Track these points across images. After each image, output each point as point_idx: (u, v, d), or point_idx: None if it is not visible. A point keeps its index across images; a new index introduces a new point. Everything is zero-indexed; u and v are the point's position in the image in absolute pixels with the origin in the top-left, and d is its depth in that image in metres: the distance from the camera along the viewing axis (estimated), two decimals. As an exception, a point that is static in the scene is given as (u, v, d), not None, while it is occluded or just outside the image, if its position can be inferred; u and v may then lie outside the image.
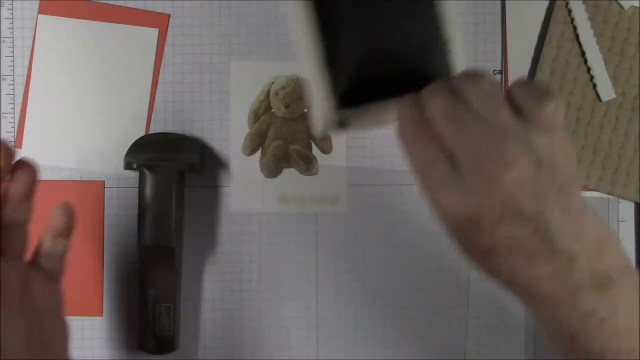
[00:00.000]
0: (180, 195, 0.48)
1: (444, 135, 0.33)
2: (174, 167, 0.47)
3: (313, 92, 0.36)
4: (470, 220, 0.33)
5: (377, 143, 0.50)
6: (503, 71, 0.50)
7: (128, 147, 0.48)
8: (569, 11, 0.49)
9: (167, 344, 0.48)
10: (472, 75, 0.34)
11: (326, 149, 0.50)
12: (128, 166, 0.47)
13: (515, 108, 0.33)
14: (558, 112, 0.33)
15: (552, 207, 0.33)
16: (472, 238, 0.34)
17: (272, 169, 0.50)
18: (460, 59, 0.37)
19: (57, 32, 0.50)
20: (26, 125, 0.50)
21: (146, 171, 0.46)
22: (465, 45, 0.38)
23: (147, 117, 0.50)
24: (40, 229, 0.50)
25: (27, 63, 0.50)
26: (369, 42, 0.36)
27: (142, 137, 0.49)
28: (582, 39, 0.49)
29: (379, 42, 0.36)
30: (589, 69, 0.49)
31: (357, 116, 0.37)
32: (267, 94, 0.50)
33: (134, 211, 0.48)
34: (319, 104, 0.36)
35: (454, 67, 0.37)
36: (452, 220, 0.34)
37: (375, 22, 0.36)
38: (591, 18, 0.48)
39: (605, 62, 0.48)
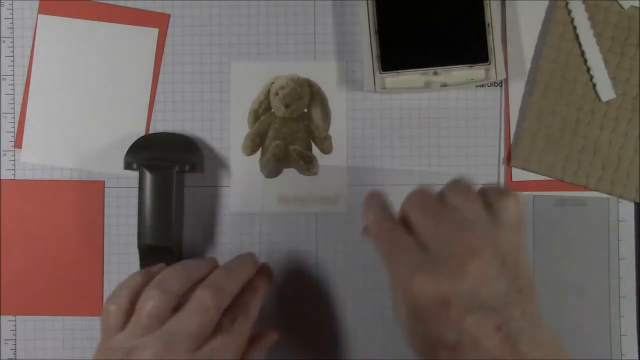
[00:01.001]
0: (180, 195, 0.48)
1: (420, 225, 0.37)
2: (174, 167, 0.47)
3: (365, 57, 0.47)
4: (440, 304, 0.34)
5: (377, 143, 0.50)
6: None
7: (128, 147, 0.48)
8: (569, 11, 0.49)
9: (167, 344, 0.48)
10: (452, 179, 0.39)
11: (326, 149, 0.50)
12: (128, 166, 0.47)
13: (487, 204, 0.37)
14: (519, 208, 0.37)
15: (514, 308, 0.35)
16: (441, 329, 0.35)
17: (272, 169, 0.50)
18: (497, 42, 0.46)
19: (57, 32, 0.50)
20: (26, 125, 0.50)
21: (146, 171, 0.46)
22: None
23: (147, 117, 0.50)
24: (39, 227, 0.50)
25: (27, 63, 0.50)
26: (415, 20, 0.46)
27: (142, 137, 0.49)
28: (582, 39, 0.49)
29: (423, 21, 0.46)
30: (589, 69, 0.49)
31: (395, 79, 0.47)
32: (267, 94, 0.50)
33: (134, 211, 0.48)
34: (368, 65, 0.47)
35: (491, 48, 0.46)
36: (423, 305, 0.35)
37: (423, 4, 0.46)
38: (591, 18, 0.48)
39: (605, 62, 0.48)
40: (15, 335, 0.50)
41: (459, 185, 0.38)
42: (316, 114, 0.50)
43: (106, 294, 0.50)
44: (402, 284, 0.36)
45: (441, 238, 0.36)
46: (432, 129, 0.50)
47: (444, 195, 0.38)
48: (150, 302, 0.39)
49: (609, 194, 0.49)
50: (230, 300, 0.41)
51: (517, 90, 0.50)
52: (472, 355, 0.34)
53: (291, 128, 0.50)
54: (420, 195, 0.38)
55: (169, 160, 0.48)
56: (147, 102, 0.50)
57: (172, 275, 0.41)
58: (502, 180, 0.50)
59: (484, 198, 0.38)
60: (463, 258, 0.35)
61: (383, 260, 0.38)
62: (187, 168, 0.47)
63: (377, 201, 0.40)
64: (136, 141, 0.49)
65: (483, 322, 0.34)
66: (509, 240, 0.36)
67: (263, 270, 0.45)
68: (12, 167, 0.50)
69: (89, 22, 0.50)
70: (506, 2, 0.49)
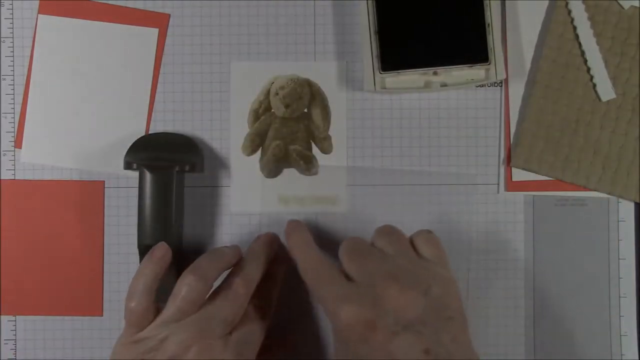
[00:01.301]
0: (180, 195, 0.48)
1: (348, 265, 0.40)
2: (174, 167, 0.47)
3: (365, 57, 0.47)
4: (366, 328, 0.37)
5: (377, 143, 0.50)
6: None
7: (128, 147, 0.48)
8: (569, 11, 0.49)
9: (167, 344, 0.48)
10: (379, 227, 0.43)
11: (326, 149, 0.50)
12: (128, 166, 0.47)
13: (412, 245, 0.42)
14: (436, 243, 0.42)
15: (443, 334, 0.37)
16: (370, 352, 0.37)
17: (272, 169, 0.50)
18: (497, 42, 0.47)
19: (57, 32, 0.50)
20: (26, 125, 0.50)
21: (146, 171, 0.46)
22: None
23: (147, 117, 0.50)
24: (39, 227, 0.50)
25: (27, 63, 0.50)
26: (415, 20, 0.46)
27: (142, 137, 0.49)
28: (582, 39, 0.49)
29: (423, 21, 0.46)
30: (589, 69, 0.49)
31: (395, 79, 0.47)
32: (267, 93, 0.50)
33: (134, 211, 0.48)
34: (368, 65, 0.47)
35: (491, 48, 0.46)
36: (350, 331, 0.37)
37: (423, 4, 0.46)
38: (591, 18, 0.48)
39: (605, 62, 0.48)
40: (15, 335, 0.50)
41: (384, 229, 0.43)
42: (316, 114, 0.50)
43: (106, 294, 0.50)
44: (330, 315, 0.39)
45: (365, 272, 0.39)
46: (432, 129, 0.50)
47: (372, 241, 0.43)
48: (187, 288, 0.41)
49: (609, 194, 0.49)
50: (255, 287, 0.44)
51: (517, 90, 0.50)
52: None
53: (291, 128, 0.50)
54: (351, 242, 0.42)
55: (169, 160, 0.48)
56: (147, 102, 0.50)
57: (206, 263, 0.43)
58: (502, 180, 0.50)
59: (410, 240, 0.42)
60: (384, 285, 0.38)
61: (313, 294, 0.41)
62: (187, 168, 0.47)
63: (300, 237, 0.44)
64: (136, 141, 0.49)
65: (410, 343, 0.36)
66: (433, 273, 0.39)
67: (278, 257, 0.47)
68: (12, 167, 0.50)
69: (89, 22, 0.50)
70: (506, 2, 0.49)
